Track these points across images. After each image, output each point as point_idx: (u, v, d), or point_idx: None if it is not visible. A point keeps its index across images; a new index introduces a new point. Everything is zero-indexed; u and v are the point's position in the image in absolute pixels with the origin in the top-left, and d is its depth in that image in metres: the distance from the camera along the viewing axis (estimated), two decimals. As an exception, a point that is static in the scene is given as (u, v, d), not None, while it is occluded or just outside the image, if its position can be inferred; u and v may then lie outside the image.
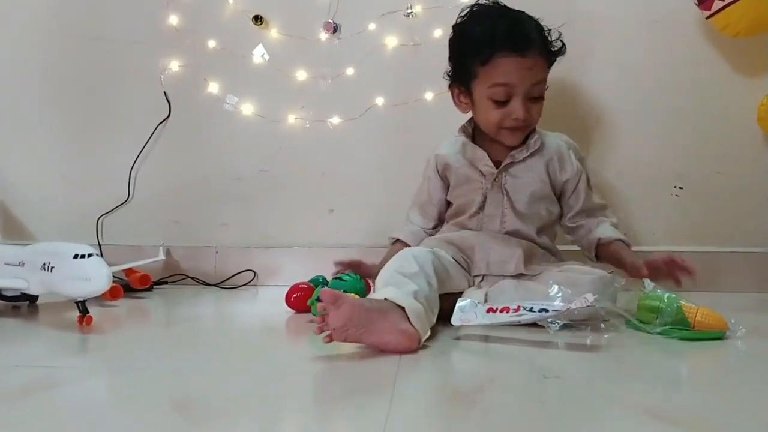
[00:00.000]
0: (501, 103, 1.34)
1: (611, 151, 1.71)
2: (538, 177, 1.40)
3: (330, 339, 1.03)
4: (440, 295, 1.28)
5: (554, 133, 1.45)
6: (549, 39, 1.37)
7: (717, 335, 1.14)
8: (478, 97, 1.38)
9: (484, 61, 1.33)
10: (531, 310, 1.13)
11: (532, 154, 1.39)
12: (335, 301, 1.02)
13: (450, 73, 1.44)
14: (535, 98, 1.35)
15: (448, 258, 1.30)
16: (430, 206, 1.49)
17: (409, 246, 1.39)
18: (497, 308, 1.16)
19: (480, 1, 1.41)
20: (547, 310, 1.13)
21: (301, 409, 0.84)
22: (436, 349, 1.09)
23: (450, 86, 1.44)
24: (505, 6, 1.40)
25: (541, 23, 1.37)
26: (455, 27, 1.42)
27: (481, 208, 1.40)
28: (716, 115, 1.68)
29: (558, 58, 1.39)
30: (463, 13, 1.41)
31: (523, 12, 1.37)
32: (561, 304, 1.14)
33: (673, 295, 1.18)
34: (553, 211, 1.43)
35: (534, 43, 1.33)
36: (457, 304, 1.17)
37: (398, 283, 1.14)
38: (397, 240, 1.48)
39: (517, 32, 1.33)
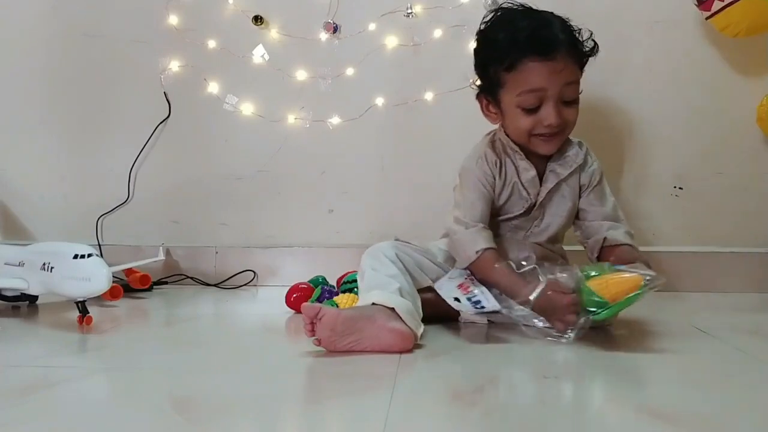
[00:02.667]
0: (531, 111, 1.25)
1: (612, 151, 1.71)
2: (575, 192, 1.33)
3: (320, 344, 1.05)
4: (437, 295, 1.29)
5: (575, 139, 1.37)
6: (578, 38, 1.29)
7: (635, 297, 1.06)
8: (506, 106, 1.28)
9: (509, 68, 1.25)
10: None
11: (575, 170, 1.33)
12: (316, 315, 1.03)
13: (478, 84, 1.35)
14: (568, 102, 1.26)
15: (412, 252, 1.29)
16: (487, 212, 1.32)
17: (496, 251, 1.27)
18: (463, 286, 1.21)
19: (504, 5, 1.33)
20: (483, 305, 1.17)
21: (300, 408, 0.85)
22: (435, 349, 1.09)
23: (477, 96, 1.35)
24: (530, 8, 1.31)
25: (570, 22, 1.29)
26: (478, 34, 1.33)
27: (514, 217, 1.34)
28: (716, 115, 1.68)
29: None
30: (487, 19, 1.32)
31: (550, 12, 1.30)
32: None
33: (584, 285, 1.09)
34: (573, 215, 1.37)
35: (561, 44, 1.24)
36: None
37: (382, 285, 1.14)
38: (486, 249, 1.25)
39: (542, 34, 1.24)
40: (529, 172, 1.31)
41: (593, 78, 1.67)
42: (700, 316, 1.36)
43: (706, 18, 1.56)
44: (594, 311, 1.07)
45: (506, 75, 1.26)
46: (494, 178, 1.31)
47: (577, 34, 1.29)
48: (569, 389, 0.90)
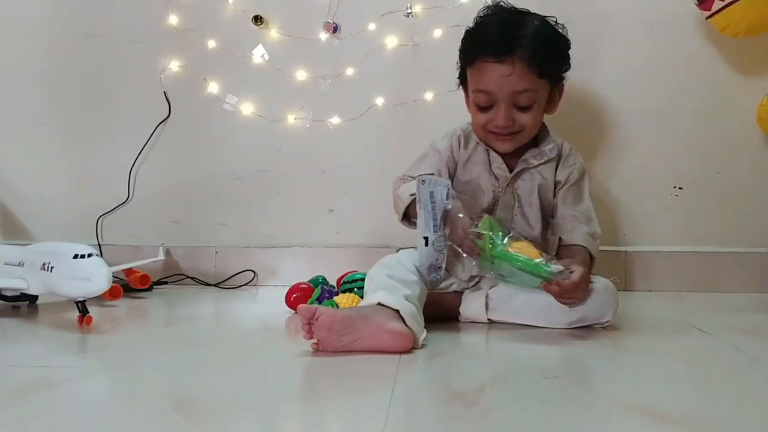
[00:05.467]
0: (485, 108, 1.30)
1: (611, 152, 1.71)
2: (549, 182, 1.37)
3: (317, 347, 1.04)
4: (442, 295, 1.30)
5: (558, 139, 1.41)
6: (550, 50, 1.28)
7: (525, 261, 1.15)
8: (468, 100, 1.36)
9: (469, 64, 1.32)
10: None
11: (547, 161, 1.36)
12: (312, 315, 1.03)
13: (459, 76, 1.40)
14: (523, 107, 1.28)
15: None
16: (430, 170, 1.36)
17: None
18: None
19: (499, 3, 1.36)
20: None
21: (300, 408, 0.85)
22: (435, 349, 1.09)
23: (460, 88, 1.41)
24: (516, 9, 1.33)
25: (550, 33, 1.30)
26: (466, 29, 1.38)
27: (490, 211, 1.36)
28: (716, 115, 1.68)
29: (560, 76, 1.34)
30: (479, 15, 1.36)
31: (535, 16, 1.31)
32: None
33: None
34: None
35: (518, 48, 1.24)
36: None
37: (390, 288, 1.14)
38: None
39: (502, 36, 1.26)
40: (497, 159, 1.35)
41: (593, 78, 1.68)
42: (700, 316, 1.36)
43: (706, 18, 1.56)
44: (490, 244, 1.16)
45: (468, 70, 1.33)
46: (451, 152, 1.37)
47: (550, 46, 1.29)
48: (569, 389, 0.90)
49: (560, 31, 1.33)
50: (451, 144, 1.38)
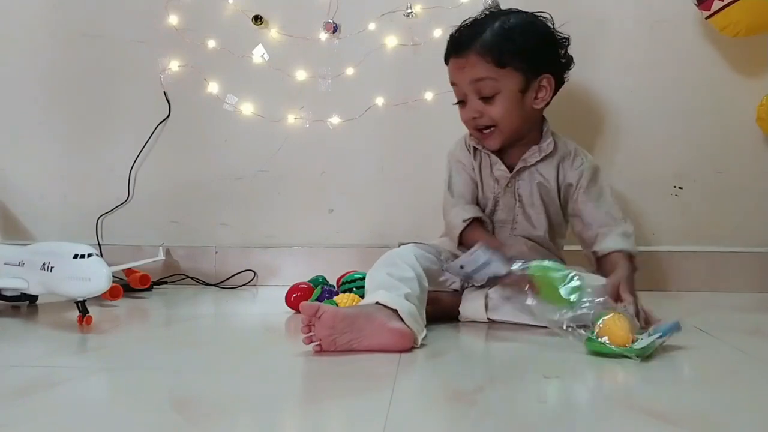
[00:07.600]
0: (460, 104, 1.36)
1: (612, 151, 1.71)
2: (550, 179, 1.37)
3: (320, 348, 1.04)
4: (441, 294, 1.29)
5: (568, 138, 1.42)
6: (507, 39, 1.28)
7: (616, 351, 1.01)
8: None
9: (447, 64, 1.37)
10: None
11: (545, 158, 1.37)
12: (315, 313, 1.03)
13: None
14: (488, 97, 1.31)
15: (430, 256, 1.28)
16: (471, 190, 1.40)
17: (484, 223, 1.37)
18: None
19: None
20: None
21: (300, 408, 0.84)
22: (435, 348, 1.09)
23: None
24: (492, 11, 1.36)
25: (525, 25, 1.32)
26: None
27: (492, 213, 1.39)
28: (716, 115, 1.68)
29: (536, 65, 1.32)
30: None
31: (515, 14, 1.33)
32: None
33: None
34: (561, 213, 1.41)
35: (475, 41, 1.29)
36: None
37: (390, 287, 1.14)
38: (473, 219, 1.34)
39: (462, 32, 1.34)
40: (497, 160, 1.38)
41: (593, 77, 1.68)
42: (700, 316, 1.36)
43: (706, 18, 1.56)
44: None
45: None
46: (471, 158, 1.41)
47: (512, 36, 1.30)
48: (569, 389, 0.90)
49: (540, 24, 1.34)
50: (468, 150, 1.41)
